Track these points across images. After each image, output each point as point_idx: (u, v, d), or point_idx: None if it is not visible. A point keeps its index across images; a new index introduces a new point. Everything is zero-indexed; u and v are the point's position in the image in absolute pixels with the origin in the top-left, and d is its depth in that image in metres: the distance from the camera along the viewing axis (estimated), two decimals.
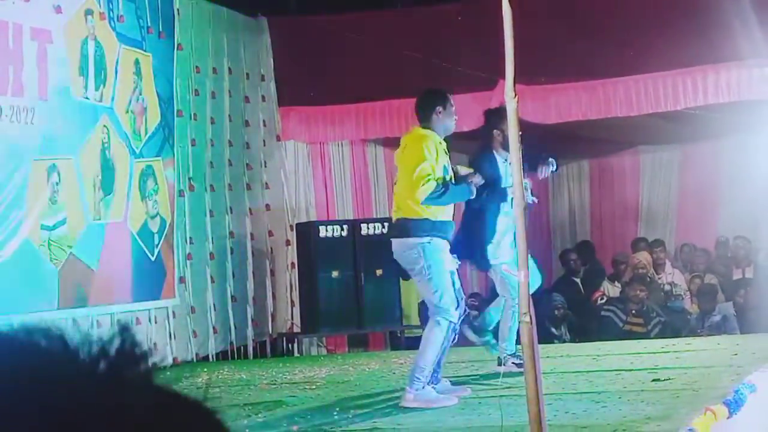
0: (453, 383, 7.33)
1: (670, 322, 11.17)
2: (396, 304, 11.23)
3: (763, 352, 8.09)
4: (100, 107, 9.13)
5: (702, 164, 12.89)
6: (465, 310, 7.14)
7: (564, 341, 11.13)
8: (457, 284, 6.95)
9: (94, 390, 0.86)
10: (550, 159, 8.04)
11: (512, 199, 6.01)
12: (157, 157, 9.87)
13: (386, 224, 9.76)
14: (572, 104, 11.12)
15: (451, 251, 6.98)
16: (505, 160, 7.36)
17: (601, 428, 5.58)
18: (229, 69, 11.24)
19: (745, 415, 6.10)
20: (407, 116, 9.54)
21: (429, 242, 6.84)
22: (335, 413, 6.68)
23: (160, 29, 9.96)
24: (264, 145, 11.86)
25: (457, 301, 6.87)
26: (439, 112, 7.06)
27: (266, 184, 11.86)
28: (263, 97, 11.91)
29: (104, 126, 9.17)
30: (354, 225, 11.29)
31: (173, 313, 9.97)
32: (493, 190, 7.54)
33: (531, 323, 4.50)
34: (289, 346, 11.75)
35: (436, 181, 6.81)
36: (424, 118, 7.09)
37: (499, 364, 7.70)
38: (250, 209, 11.52)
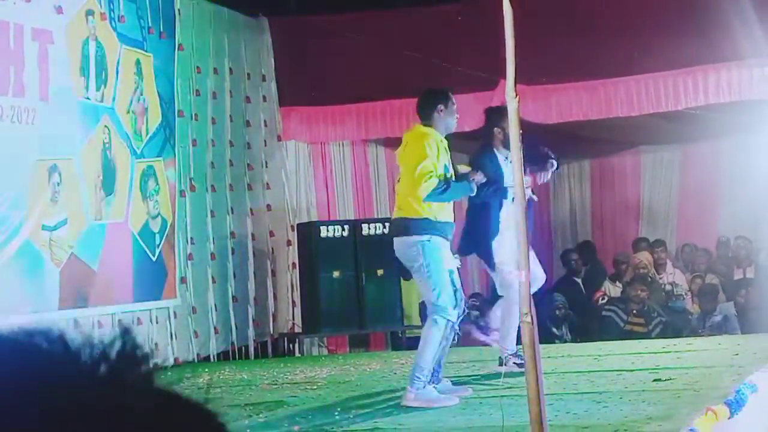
0: (454, 383, 7.33)
1: (671, 322, 11.17)
2: (397, 304, 11.23)
3: (765, 352, 8.08)
4: (101, 107, 9.13)
5: (703, 164, 12.89)
6: (464, 310, 7.16)
7: (565, 341, 11.13)
8: (457, 283, 6.96)
9: (94, 392, 0.86)
10: (550, 162, 8.04)
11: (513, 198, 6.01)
12: (158, 158, 9.87)
13: (387, 224, 9.76)
14: (573, 104, 11.12)
15: (458, 247, 6.99)
16: (506, 157, 7.38)
17: (602, 428, 5.58)
18: (230, 69, 11.24)
19: (747, 415, 6.10)
20: (408, 116, 9.55)
21: (428, 240, 6.86)
22: (336, 413, 6.68)
23: (161, 29, 9.96)
24: (265, 146, 11.87)
25: (456, 300, 6.88)
26: (441, 111, 7.07)
27: (267, 184, 11.86)
28: (264, 97, 11.91)
29: (105, 126, 9.17)
30: (355, 225, 11.29)
31: (174, 313, 9.97)
32: (494, 187, 7.56)
33: (532, 323, 4.51)
34: (291, 346, 11.75)
35: (438, 178, 6.84)
36: (426, 116, 7.11)
37: (500, 364, 7.71)
38: (251, 209, 11.53)
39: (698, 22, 10.43)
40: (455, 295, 6.88)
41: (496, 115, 7.74)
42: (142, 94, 9.67)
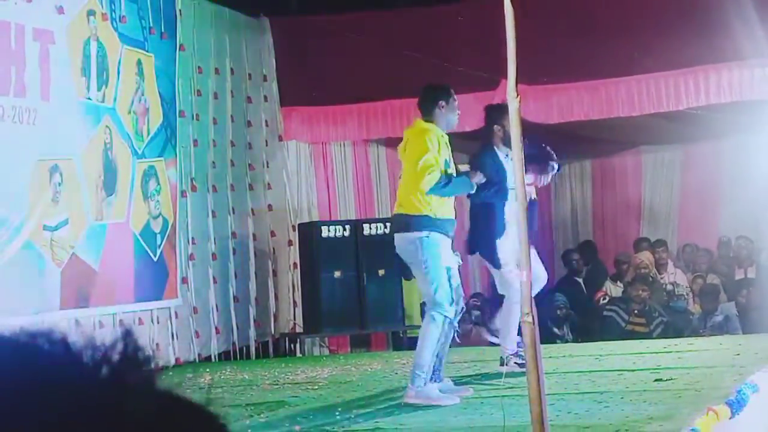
0: (455, 383, 7.34)
1: (672, 322, 11.17)
2: (398, 304, 11.23)
3: (766, 352, 8.08)
4: (103, 108, 9.14)
5: (704, 164, 12.89)
6: (463, 308, 7.17)
7: (566, 341, 11.13)
8: (456, 281, 6.97)
9: (96, 394, 0.86)
10: (551, 164, 8.03)
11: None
12: (159, 158, 9.87)
13: (388, 224, 9.76)
14: (574, 104, 11.13)
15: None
16: (507, 155, 7.38)
17: (603, 428, 5.58)
18: (231, 69, 11.25)
19: (748, 415, 6.09)
20: (409, 116, 9.54)
21: (427, 236, 6.88)
22: (337, 413, 6.68)
23: (163, 30, 9.97)
24: (266, 146, 11.87)
25: (452, 297, 6.89)
26: (442, 107, 7.09)
27: (268, 184, 11.86)
28: (265, 98, 11.91)
29: (106, 126, 9.17)
30: (356, 225, 11.29)
31: (176, 313, 9.97)
32: (495, 185, 7.57)
33: (533, 323, 4.50)
34: (292, 346, 11.75)
35: (440, 172, 6.85)
36: (427, 111, 7.12)
37: (502, 364, 7.71)
38: (252, 209, 11.53)
39: (699, 23, 10.43)
40: (453, 292, 6.90)
41: (495, 112, 7.75)
42: (143, 95, 9.67)
